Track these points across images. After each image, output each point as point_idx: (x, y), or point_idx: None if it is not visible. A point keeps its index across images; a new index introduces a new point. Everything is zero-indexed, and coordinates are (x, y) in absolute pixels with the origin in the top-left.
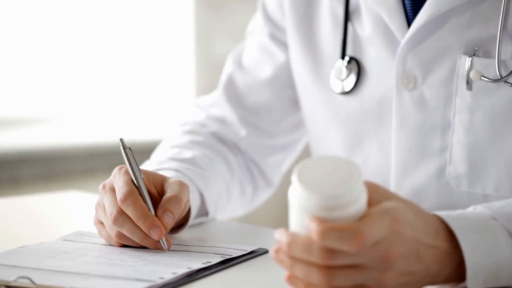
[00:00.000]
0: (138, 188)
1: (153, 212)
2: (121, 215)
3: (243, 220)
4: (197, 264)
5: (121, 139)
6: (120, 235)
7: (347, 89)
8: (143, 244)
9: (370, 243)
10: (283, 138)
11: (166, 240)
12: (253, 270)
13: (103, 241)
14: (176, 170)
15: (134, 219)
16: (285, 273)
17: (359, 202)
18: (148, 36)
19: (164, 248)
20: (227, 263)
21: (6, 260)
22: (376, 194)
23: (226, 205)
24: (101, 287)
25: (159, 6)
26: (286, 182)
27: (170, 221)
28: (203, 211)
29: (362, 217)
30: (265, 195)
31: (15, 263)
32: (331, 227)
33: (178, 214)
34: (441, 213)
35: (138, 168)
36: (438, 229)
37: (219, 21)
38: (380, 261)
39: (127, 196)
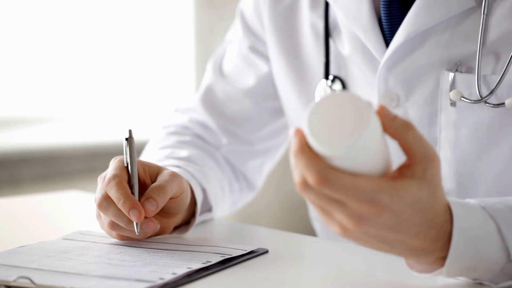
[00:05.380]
0: (130, 175)
1: (138, 197)
2: (105, 199)
3: (243, 220)
4: (197, 264)
5: (130, 130)
6: (112, 224)
7: None
8: (129, 228)
9: (332, 194)
10: (263, 144)
11: (152, 222)
12: (253, 270)
13: (103, 240)
14: (178, 167)
15: (115, 201)
16: (284, 273)
17: (364, 157)
18: (148, 36)
19: (136, 232)
20: (227, 263)
21: (5, 260)
22: (420, 168)
23: (221, 202)
24: (100, 287)
25: (159, 6)
26: (285, 183)
27: (152, 208)
28: (206, 207)
29: (364, 177)
30: (248, 197)
31: (14, 263)
32: (305, 151)
33: (162, 203)
34: (451, 201)
35: (135, 158)
36: (432, 225)
37: (219, 21)
38: (341, 219)
39: (111, 179)
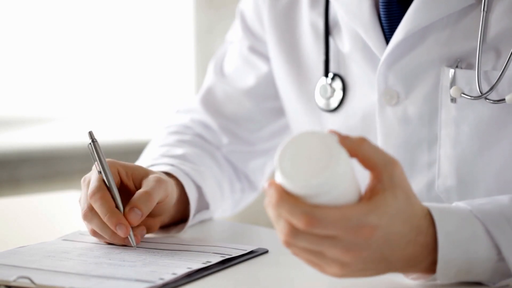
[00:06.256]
0: (106, 183)
1: (122, 208)
2: (90, 211)
3: (243, 220)
4: (197, 264)
5: (90, 132)
6: (94, 231)
7: (332, 107)
8: (112, 241)
9: (323, 231)
10: (264, 144)
11: (135, 236)
12: (253, 270)
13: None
14: (171, 165)
15: (101, 215)
16: (284, 273)
17: (342, 185)
18: (148, 36)
19: (133, 245)
20: (227, 263)
21: (6, 260)
22: (387, 176)
23: (220, 201)
24: (100, 287)
25: (159, 6)
26: None
27: (137, 218)
28: (203, 205)
29: (347, 206)
30: (250, 197)
31: (15, 263)
32: (285, 198)
33: (148, 211)
34: (430, 206)
35: (105, 161)
36: (419, 231)
37: (219, 21)
38: (337, 254)
39: (95, 191)
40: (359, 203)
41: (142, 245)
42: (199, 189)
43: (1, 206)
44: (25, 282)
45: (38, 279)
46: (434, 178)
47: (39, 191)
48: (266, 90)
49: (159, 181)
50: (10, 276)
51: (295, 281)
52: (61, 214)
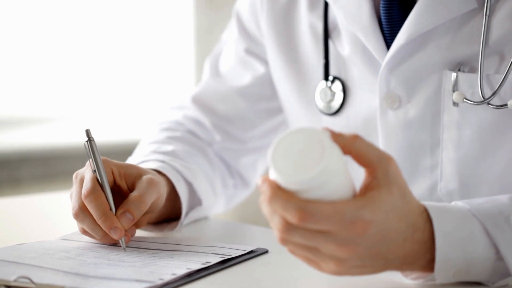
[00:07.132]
0: (100, 183)
1: (114, 210)
2: (82, 211)
3: (242, 220)
4: (196, 264)
5: (87, 130)
6: (83, 231)
7: (333, 110)
8: (102, 241)
9: (317, 226)
10: (256, 142)
11: (125, 235)
12: (253, 270)
13: None
14: (162, 161)
15: (95, 217)
16: (284, 273)
17: (335, 181)
18: (148, 36)
19: (123, 247)
20: (226, 263)
21: (5, 256)
22: (382, 172)
23: (212, 197)
24: (100, 287)
25: (159, 6)
26: None
27: (128, 222)
28: (196, 201)
29: (341, 201)
30: (243, 194)
31: (13, 259)
32: (279, 194)
33: (139, 215)
34: (428, 205)
35: (101, 161)
36: (415, 228)
37: (219, 21)
38: (331, 250)
39: (90, 192)
40: (353, 199)
41: (141, 245)
42: (189, 185)
43: (1, 206)
44: (25, 281)
45: (38, 277)
46: (437, 181)
47: (39, 191)
48: (261, 90)
49: (151, 183)
50: (10, 275)
51: (295, 281)
52: (61, 214)
